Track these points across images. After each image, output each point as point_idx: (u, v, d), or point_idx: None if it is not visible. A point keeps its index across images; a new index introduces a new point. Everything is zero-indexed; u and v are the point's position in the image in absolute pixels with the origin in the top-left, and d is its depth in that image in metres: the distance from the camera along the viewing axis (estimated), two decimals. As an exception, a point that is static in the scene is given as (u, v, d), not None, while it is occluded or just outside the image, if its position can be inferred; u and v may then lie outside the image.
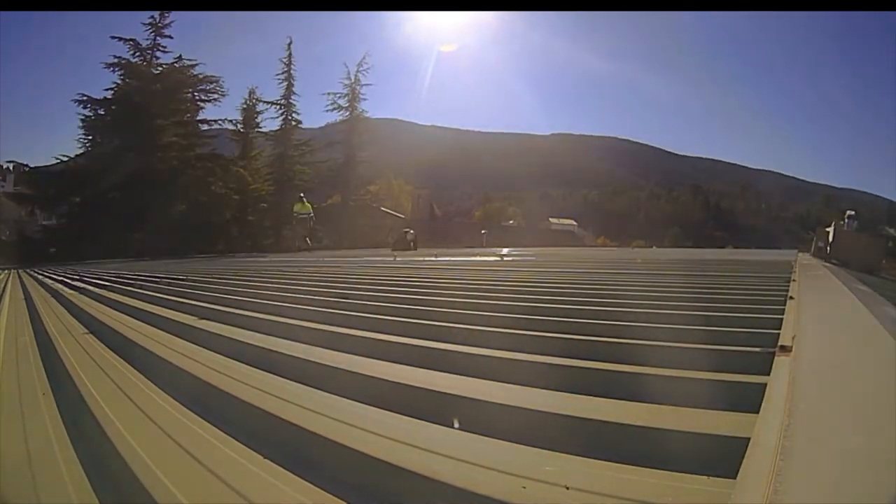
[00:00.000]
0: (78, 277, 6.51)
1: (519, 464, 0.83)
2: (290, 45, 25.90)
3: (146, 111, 21.82)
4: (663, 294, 2.38)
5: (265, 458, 1.00)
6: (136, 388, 1.56)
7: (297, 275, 4.64)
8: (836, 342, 1.32)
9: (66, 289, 5.06)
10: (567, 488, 0.74)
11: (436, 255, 7.75)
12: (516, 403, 1.05)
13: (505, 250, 9.41)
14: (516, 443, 0.92)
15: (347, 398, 1.23)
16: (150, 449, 1.05)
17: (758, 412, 0.79)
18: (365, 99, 25.85)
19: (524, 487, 0.75)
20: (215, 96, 24.05)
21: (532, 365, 1.31)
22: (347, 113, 25.57)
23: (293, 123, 25.20)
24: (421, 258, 7.21)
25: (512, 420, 1.01)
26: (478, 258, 6.80)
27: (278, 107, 24.99)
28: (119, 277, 5.75)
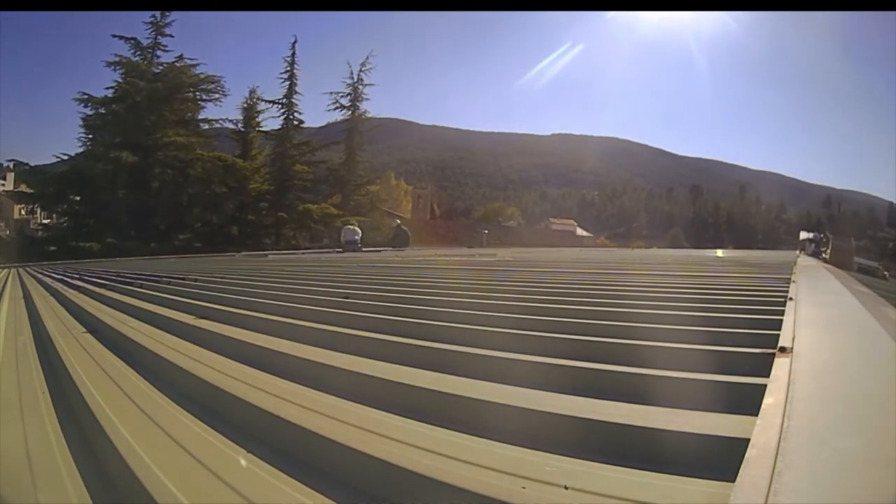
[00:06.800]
0: (78, 276, 6.51)
1: (519, 464, 0.83)
2: (294, 43, 25.93)
3: (147, 110, 21.83)
4: (663, 294, 2.38)
5: (265, 458, 1.00)
6: (136, 387, 1.56)
7: (298, 275, 4.65)
8: (836, 343, 1.32)
9: (66, 287, 5.06)
10: (567, 488, 0.74)
11: (435, 255, 7.75)
12: (516, 403, 1.05)
13: (506, 251, 9.41)
14: (516, 443, 0.92)
15: (347, 398, 1.24)
16: (150, 449, 1.05)
17: (757, 413, 0.79)
18: (367, 98, 25.87)
19: (524, 487, 0.75)
20: (216, 96, 24.10)
21: (532, 365, 1.31)
22: (349, 112, 25.57)
23: (294, 123, 25.19)
24: (422, 257, 7.21)
25: (512, 420, 1.01)
26: (478, 258, 6.80)
27: (280, 106, 25.00)
28: (119, 276, 5.75)
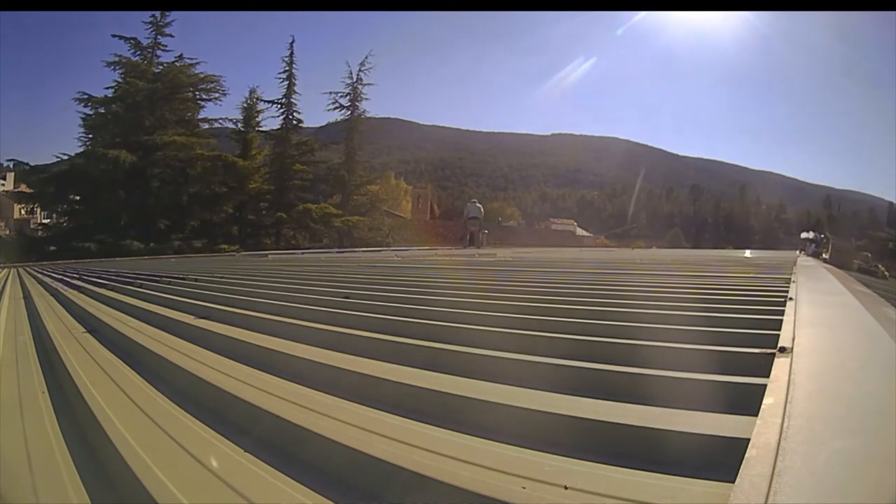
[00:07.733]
0: (78, 276, 6.50)
1: (519, 464, 0.83)
2: (292, 44, 26.02)
3: (147, 110, 21.84)
4: (663, 294, 2.38)
5: (265, 458, 1.00)
6: (137, 387, 1.56)
7: (298, 275, 4.64)
8: (836, 343, 1.32)
9: (65, 287, 5.06)
10: (567, 488, 0.74)
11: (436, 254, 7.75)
12: (516, 403, 1.05)
13: (506, 251, 9.42)
14: (516, 443, 0.92)
15: (347, 398, 1.24)
16: (150, 449, 1.04)
17: (757, 413, 0.79)
18: (367, 98, 25.91)
19: (524, 488, 0.75)
20: (216, 95, 24.14)
21: (532, 365, 1.32)
22: (348, 112, 25.61)
23: (294, 122, 25.22)
24: (422, 257, 7.21)
25: (512, 420, 1.01)
26: (478, 258, 6.80)
27: (279, 106, 25.04)
28: (119, 276, 5.75)
